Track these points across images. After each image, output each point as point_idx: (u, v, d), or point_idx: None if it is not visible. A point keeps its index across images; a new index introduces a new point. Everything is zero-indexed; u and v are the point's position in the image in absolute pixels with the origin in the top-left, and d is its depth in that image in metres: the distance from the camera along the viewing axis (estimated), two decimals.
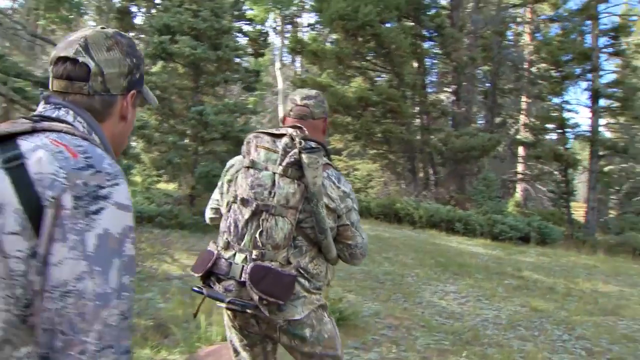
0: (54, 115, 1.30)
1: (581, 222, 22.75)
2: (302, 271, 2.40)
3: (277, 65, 32.56)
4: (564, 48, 20.65)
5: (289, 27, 34.74)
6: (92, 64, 1.32)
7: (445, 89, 25.42)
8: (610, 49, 22.28)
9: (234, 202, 2.41)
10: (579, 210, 24.36)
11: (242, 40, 24.71)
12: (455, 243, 13.37)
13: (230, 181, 2.55)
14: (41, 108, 1.34)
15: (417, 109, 22.13)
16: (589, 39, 22.10)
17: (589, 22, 21.54)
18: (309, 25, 33.76)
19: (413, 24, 21.57)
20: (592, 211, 20.41)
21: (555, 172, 26.08)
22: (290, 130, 2.42)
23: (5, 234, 1.09)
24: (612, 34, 21.74)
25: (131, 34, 32.39)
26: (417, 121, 22.55)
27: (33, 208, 1.10)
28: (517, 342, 6.15)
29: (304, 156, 2.31)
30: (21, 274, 1.09)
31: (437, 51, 22.99)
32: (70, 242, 1.09)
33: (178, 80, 13.36)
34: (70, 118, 1.30)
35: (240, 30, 24.87)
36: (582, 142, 24.18)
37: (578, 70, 22.19)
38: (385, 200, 18.03)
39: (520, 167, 25.49)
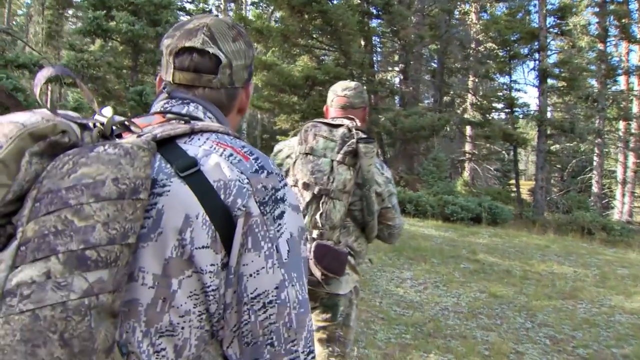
0: (183, 112, 1.21)
1: (529, 201, 22.89)
2: (349, 249, 2.69)
3: None
4: (512, 27, 20.55)
5: (232, 4, 33.88)
6: (222, 56, 1.23)
7: (391, 68, 25.14)
8: (557, 29, 22.34)
9: (294, 185, 2.60)
10: (522, 188, 24.52)
11: (185, 19, 23.85)
12: (408, 225, 13.06)
13: (280, 165, 2.79)
14: (164, 102, 1.24)
15: (365, 88, 21.69)
16: (535, 18, 22.10)
17: (536, 1, 21.48)
18: (253, 2, 32.88)
19: (360, 1, 21.08)
20: (540, 190, 20.46)
21: (503, 152, 26.25)
22: (346, 122, 2.64)
23: (198, 248, 1.02)
24: (558, 14, 21.75)
25: (69, 12, 31.11)
26: None
27: (222, 218, 1.03)
28: (480, 333, 5.94)
29: (361, 146, 2.53)
30: (215, 289, 1.04)
31: (384, 29, 22.61)
32: (265, 251, 1.05)
33: (113, 58, 12.55)
34: (200, 114, 1.22)
35: (182, 9, 24.14)
36: (531, 121, 24.30)
37: (525, 50, 22.19)
38: None
39: (468, 147, 25.47)
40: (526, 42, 21.39)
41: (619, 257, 11.62)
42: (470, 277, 8.35)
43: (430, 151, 20.72)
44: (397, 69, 23.53)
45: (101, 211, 0.91)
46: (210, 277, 1.03)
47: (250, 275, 1.04)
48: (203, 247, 1.01)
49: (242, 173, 1.07)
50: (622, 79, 25.81)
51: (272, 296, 1.04)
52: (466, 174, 24.71)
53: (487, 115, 23.46)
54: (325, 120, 2.69)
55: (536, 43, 21.10)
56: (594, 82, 25.25)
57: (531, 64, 23.00)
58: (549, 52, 22.31)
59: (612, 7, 23.25)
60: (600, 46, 24.29)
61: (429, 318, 6.22)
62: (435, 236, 11.87)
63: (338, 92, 2.87)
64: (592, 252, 11.96)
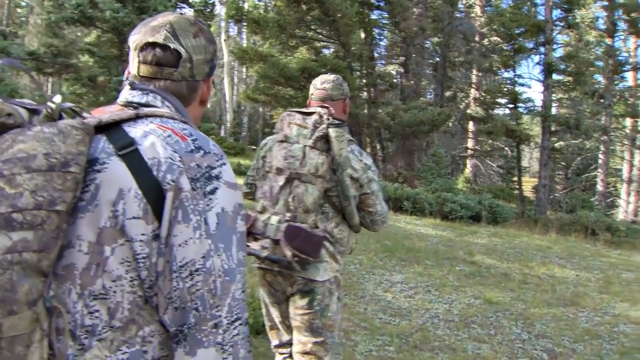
0: (142, 101, 1.30)
1: (532, 199, 22.37)
2: (327, 235, 2.71)
3: (223, 36, 31.42)
4: (517, 20, 19.96)
5: None
6: (182, 51, 1.32)
7: (394, 60, 24.64)
8: (563, 23, 21.76)
9: (269, 171, 2.75)
10: (525, 186, 23.99)
11: (188, 12, 23.52)
12: (404, 223, 12.59)
13: (264, 157, 2.85)
14: (127, 94, 1.33)
15: (364, 81, 21.20)
16: (541, 10, 21.52)
17: None
18: None
19: None
20: (543, 188, 19.89)
21: (506, 148, 25.71)
22: (319, 109, 2.75)
23: (129, 218, 1.10)
24: (565, 7, 21.14)
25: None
26: (364, 94, 21.67)
27: (153, 192, 1.11)
28: (472, 345, 5.51)
29: (331, 130, 2.65)
30: (145, 256, 1.11)
31: (385, 21, 22.10)
32: (194, 223, 1.11)
33: (98, 48, 12.07)
34: (158, 103, 1.31)
35: (185, 1, 23.82)
36: (535, 117, 23.79)
37: (531, 44, 21.63)
38: None
39: (470, 143, 24.97)
40: (531, 35, 20.77)
41: (623, 259, 11.12)
42: (465, 280, 7.86)
43: (431, 147, 20.20)
44: (397, 62, 23.02)
45: (30, 181, 1.00)
46: (140, 246, 1.11)
47: (180, 245, 1.10)
48: (134, 217, 1.09)
49: (175, 152, 1.15)
50: (630, 75, 25.24)
51: (199, 264, 1.10)
52: (468, 171, 24.22)
53: (490, 111, 22.94)
54: (299, 110, 2.82)
55: (542, 36, 20.49)
56: (600, 78, 24.66)
57: (536, 58, 22.51)
58: (554, 46, 21.68)
59: (621, 0, 22.61)
60: (608, 41, 23.66)
61: (416, 327, 5.75)
62: (432, 235, 11.36)
63: (317, 85, 2.97)
64: (595, 254, 11.45)
